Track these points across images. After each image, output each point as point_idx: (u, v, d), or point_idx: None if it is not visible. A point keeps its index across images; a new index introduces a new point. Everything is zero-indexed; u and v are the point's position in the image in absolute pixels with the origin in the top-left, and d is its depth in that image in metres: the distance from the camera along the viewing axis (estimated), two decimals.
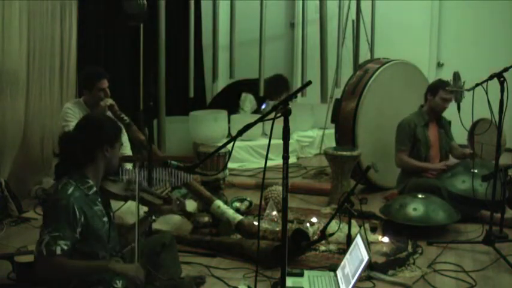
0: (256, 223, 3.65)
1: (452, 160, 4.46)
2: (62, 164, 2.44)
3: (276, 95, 6.36)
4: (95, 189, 2.42)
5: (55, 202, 2.29)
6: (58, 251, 2.21)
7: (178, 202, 2.86)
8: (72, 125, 3.90)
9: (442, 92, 4.29)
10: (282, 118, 2.15)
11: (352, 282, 2.83)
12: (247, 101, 6.46)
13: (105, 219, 2.44)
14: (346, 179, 4.55)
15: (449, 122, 4.53)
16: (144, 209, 2.77)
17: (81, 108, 4.07)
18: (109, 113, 4.01)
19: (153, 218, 2.82)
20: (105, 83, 3.98)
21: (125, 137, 3.95)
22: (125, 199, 2.66)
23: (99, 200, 2.44)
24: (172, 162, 2.57)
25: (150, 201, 2.77)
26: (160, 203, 2.79)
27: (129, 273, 2.32)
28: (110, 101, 3.99)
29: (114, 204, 2.76)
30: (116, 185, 2.62)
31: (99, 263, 2.36)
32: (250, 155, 5.97)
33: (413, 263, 3.43)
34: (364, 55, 6.28)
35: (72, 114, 4.01)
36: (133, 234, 2.54)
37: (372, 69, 4.99)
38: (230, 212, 3.77)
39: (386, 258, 3.52)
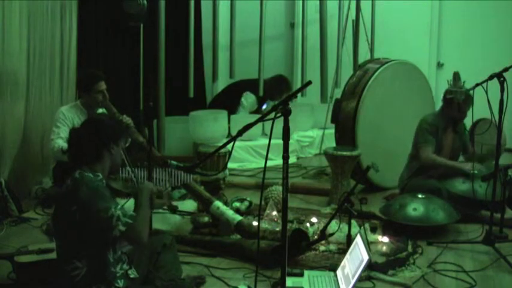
0: (256, 223, 3.65)
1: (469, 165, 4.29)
2: (72, 161, 2.51)
3: (277, 95, 6.36)
4: (105, 182, 2.51)
5: (91, 187, 2.37)
6: (132, 212, 2.41)
7: (167, 194, 2.91)
8: (61, 131, 3.93)
9: (456, 104, 4.14)
10: (282, 118, 2.15)
11: (352, 282, 2.83)
12: (248, 100, 6.44)
13: None
14: (346, 179, 4.55)
15: (464, 125, 4.43)
16: None
17: (77, 112, 4.08)
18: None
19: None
20: (103, 85, 3.99)
21: None
22: (127, 195, 2.72)
23: (109, 193, 2.51)
24: (172, 162, 2.58)
25: None
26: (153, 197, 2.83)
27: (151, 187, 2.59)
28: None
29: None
30: (117, 183, 2.75)
31: (141, 200, 2.52)
32: (250, 155, 5.97)
33: (413, 263, 3.43)
34: (364, 55, 6.29)
35: (64, 120, 4.02)
36: None
37: (372, 69, 4.98)
38: (230, 213, 3.77)
39: (386, 258, 3.52)
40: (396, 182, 4.57)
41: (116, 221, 2.32)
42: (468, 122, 4.25)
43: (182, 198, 4.56)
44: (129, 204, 3.07)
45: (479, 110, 3.61)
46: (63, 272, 2.40)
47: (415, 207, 3.90)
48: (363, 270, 2.84)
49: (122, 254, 2.52)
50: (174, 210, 3.96)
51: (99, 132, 2.52)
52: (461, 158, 4.52)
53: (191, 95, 5.43)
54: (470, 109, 3.94)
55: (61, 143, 3.88)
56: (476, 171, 4.03)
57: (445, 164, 4.27)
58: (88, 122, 2.64)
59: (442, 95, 4.32)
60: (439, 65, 7.00)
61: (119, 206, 2.36)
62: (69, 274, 2.38)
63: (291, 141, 4.54)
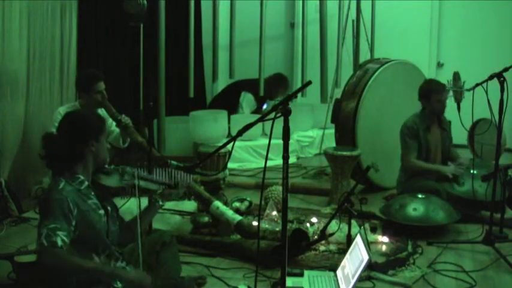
0: (255, 223, 3.65)
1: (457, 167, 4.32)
2: (50, 165, 2.44)
3: (275, 93, 6.37)
4: (86, 183, 2.43)
5: (48, 197, 2.31)
6: (59, 241, 2.20)
7: (184, 184, 2.82)
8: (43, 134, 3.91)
9: (434, 96, 4.20)
10: (282, 118, 2.15)
11: (352, 282, 2.83)
12: (245, 100, 6.47)
13: (101, 212, 2.44)
14: (346, 179, 4.55)
15: (449, 122, 4.49)
16: (145, 203, 2.74)
17: None
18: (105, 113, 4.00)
19: (161, 203, 2.74)
20: (102, 85, 3.98)
21: (109, 121, 3.96)
22: (121, 190, 2.64)
23: (93, 193, 2.45)
24: (172, 162, 2.57)
25: (148, 189, 2.73)
26: (158, 188, 2.75)
27: (136, 281, 2.34)
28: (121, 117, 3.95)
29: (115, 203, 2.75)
30: (110, 178, 2.59)
31: (105, 268, 2.37)
32: (250, 155, 5.97)
33: (413, 263, 3.43)
34: (364, 55, 6.29)
35: None
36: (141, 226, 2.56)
37: (372, 69, 4.99)
38: (229, 212, 3.77)
39: (386, 258, 3.52)
40: (396, 183, 4.57)
41: (38, 237, 2.22)
42: (468, 122, 4.25)
43: (182, 198, 4.56)
44: (129, 204, 3.05)
45: (479, 110, 3.61)
46: (61, 275, 2.39)
47: (415, 207, 3.90)
48: (363, 270, 2.84)
49: (111, 252, 2.46)
50: (190, 195, 3.87)
51: (75, 131, 2.42)
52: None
53: (191, 95, 5.42)
54: (471, 109, 3.95)
55: None
56: (475, 171, 4.03)
57: (426, 167, 4.29)
58: (61, 123, 2.49)
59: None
60: (439, 65, 7.01)
61: (53, 226, 2.20)
62: (67, 279, 2.36)
63: (291, 141, 4.53)
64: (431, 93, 4.22)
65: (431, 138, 4.33)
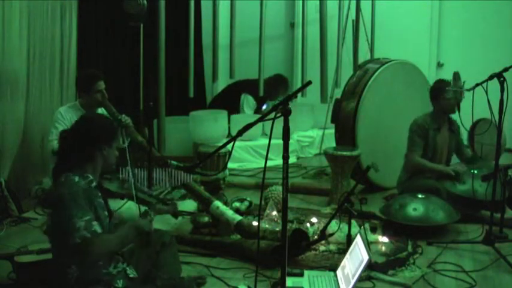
0: (255, 223, 3.65)
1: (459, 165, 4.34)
2: (61, 162, 2.48)
3: (274, 94, 6.37)
4: (95, 183, 2.47)
5: (68, 192, 2.33)
6: (98, 229, 2.29)
7: (173, 204, 2.94)
8: (58, 132, 3.91)
9: (442, 94, 4.21)
10: (282, 118, 2.15)
11: (352, 282, 2.83)
12: (245, 102, 6.47)
13: (106, 213, 2.49)
14: (346, 179, 4.55)
15: (458, 126, 4.47)
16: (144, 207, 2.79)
17: (76, 112, 4.06)
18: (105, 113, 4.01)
19: (152, 216, 2.80)
20: (102, 85, 3.98)
21: None
22: (122, 197, 2.72)
23: (100, 194, 2.49)
24: (172, 162, 2.58)
25: (145, 199, 2.84)
26: (153, 201, 2.84)
27: (146, 227, 2.48)
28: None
29: (114, 204, 2.77)
30: (111, 184, 2.72)
31: (127, 229, 2.44)
32: (250, 155, 5.97)
33: (413, 263, 3.43)
34: (364, 55, 6.28)
35: (62, 121, 4.00)
36: None
37: (372, 69, 4.99)
38: (229, 212, 3.77)
39: (386, 258, 3.52)
40: (396, 182, 4.57)
41: (74, 231, 2.24)
42: (468, 122, 4.25)
43: (182, 198, 4.56)
44: (127, 206, 3.07)
45: (479, 110, 3.61)
46: (60, 274, 2.40)
47: (415, 207, 3.90)
48: (363, 270, 2.84)
49: (113, 255, 2.49)
50: (177, 216, 3.95)
51: (91, 133, 2.49)
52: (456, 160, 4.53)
53: (191, 95, 5.42)
54: (471, 109, 3.95)
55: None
56: (476, 171, 4.03)
57: (430, 167, 4.28)
58: (79, 123, 2.56)
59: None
60: (439, 65, 7.00)
61: (88, 217, 2.27)
62: (65, 277, 2.38)
63: (291, 141, 4.54)
64: (439, 92, 4.23)
65: (440, 140, 4.32)
